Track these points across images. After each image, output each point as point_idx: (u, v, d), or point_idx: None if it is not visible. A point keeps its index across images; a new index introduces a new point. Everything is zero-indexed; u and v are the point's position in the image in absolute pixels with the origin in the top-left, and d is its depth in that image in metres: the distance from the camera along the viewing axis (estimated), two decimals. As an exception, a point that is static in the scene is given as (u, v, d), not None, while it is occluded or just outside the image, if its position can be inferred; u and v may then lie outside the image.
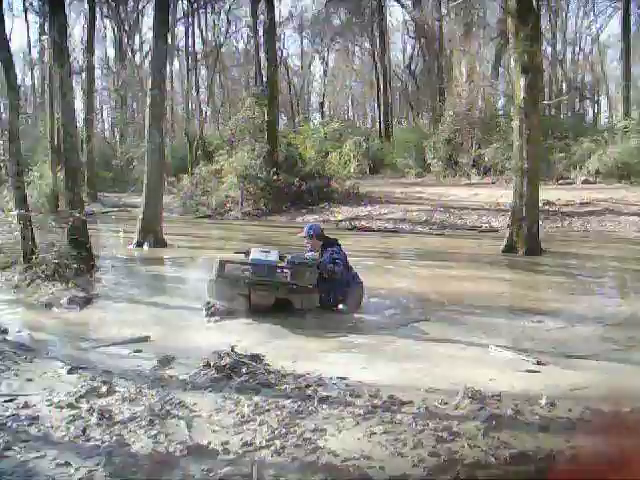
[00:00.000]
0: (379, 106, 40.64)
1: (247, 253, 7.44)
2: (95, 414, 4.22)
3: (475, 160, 26.22)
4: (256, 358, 5.26)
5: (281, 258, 7.32)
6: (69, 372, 5.05)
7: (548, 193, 17.99)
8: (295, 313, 6.97)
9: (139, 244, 13.99)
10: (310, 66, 49.61)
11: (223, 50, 41.12)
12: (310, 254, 7.54)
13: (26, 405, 4.42)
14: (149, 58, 19.80)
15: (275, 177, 22.71)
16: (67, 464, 3.62)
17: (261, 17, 30.83)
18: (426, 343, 6.05)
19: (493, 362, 5.44)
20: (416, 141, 30.23)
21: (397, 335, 6.32)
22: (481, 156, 25.72)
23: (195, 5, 38.87)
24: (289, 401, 4.43)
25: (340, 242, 7.73)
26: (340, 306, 7.32)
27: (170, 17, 22.69)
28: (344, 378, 4.93)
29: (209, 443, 3.85)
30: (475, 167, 26.30)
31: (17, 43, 55.07)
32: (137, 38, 42.80)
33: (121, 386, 4.72)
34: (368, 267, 9.97)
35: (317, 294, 7.08)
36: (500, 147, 24.52)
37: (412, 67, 42.71)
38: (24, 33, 64.17)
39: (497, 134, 25.81)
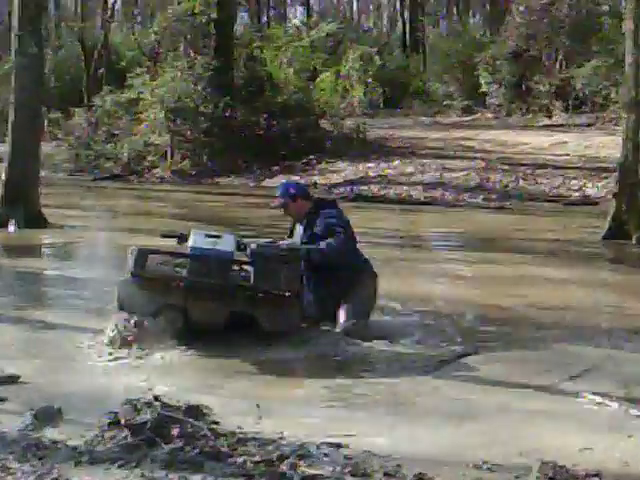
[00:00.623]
0: (402, -4, 40.64)
1: (183, 238, 7.40)
2: None
3: (560, 87, 26.26)
4: (196, 412, 5.22)
5: (240, 247, 7.29)
6: None
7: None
8: (262, 338, 6.93)
9: (1, 222, 13.93)
10: None
11: None
12: (288, 241, 7.53)
13: None
14: None
15: (228, 113, 22.71)
16: None
17: None
18: (477, 388, 6.05)
19: (588, 420, 5.44)
20: (463, 55, 30.24)
21: (429, 374, 6.33)
22: (570, 81, 25.74)
23: None
24: (252, 484, 4.42)
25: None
26: (341, 316, 7.30)
27: None
28: (341, 445, 4.92)
29: None
30: (560, 99, 26.35)
31: None
32: None
33: (-30, 458, 4.69)
34: (382, 260, 9.96)
35: (297, 307, 7.06)
36: (602, 65, 24.55)
37: None
38: None
39: (597, 44, 25.86)
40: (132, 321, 7.02)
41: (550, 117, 26.21)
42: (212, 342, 6.88)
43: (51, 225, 14.14)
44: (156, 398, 5.32)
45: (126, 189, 21.88)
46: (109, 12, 37.59)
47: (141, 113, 24.01)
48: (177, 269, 7.08)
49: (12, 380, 6.11)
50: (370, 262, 7.68)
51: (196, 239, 7.14)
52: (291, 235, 7.77)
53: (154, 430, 4.95)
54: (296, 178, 21.17)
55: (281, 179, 20.93)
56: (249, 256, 7.13)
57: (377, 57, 28.46)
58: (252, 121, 23.13)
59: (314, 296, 7.37)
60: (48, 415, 5.36)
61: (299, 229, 7.64)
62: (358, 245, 7.74)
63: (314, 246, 7.32)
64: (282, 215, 7.89)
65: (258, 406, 5.50)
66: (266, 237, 8.17)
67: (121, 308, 7.09)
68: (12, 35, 14.86)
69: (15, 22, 14.60)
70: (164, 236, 7.93)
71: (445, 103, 30.23)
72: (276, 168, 22.59)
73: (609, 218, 12.85)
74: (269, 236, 8.18)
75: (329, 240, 7.27)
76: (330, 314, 7.37)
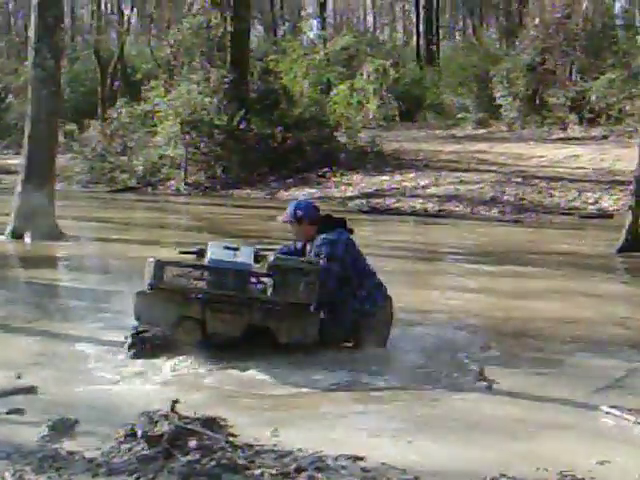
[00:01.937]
0: (417, 9, 40.69)
1: (201, 253, 7.41)
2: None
3: (575, 100, 26.23)
4: (213, 424, 5.23)
5: (257, 259, 7.29)
6: None
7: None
8: (279, 350, 6.94)
9: (17, 234, 13.98)
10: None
11: None
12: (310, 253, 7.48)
13: None
14: None
15: (243, 125, 22.74)
16: None
17: None
18: (493, 401, 6.05)
19: (605, 433, 5.43)
20: (478, 68, 30.25)
21: (447, 388, 6.32)
22: (585, 94, 25.71)
23: None
24: (269, 496, 4.43)
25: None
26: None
27: None
28: (359, 458, 4.91)
29: None
30: (575, 112, 26.32)
31: None
32: None
33: (-13, 469, 4.71)
34: (396, 274, 9.97)
35: (317, 319, 7.05)
36: (617, 78, 24.52)
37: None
38: None
39: (612, 57, 25.84)
40: (149, 333, 7.04)
41: (565, 130, 26.19)
42: (229, 354, 6.89)
43: (66, 237, 14.16)
44: (173, 410, 5.32)
45: (141, 201, 21.92)
46: (125, 25, 37.73)
47: (156, 125, 24.06)
48: (194, 281, 7.09)
49: (29, 391, 6.12)
50: (384, 287, 7.48)
51: (215, 251, 7.15)
52: (303, 251, 7.69)
53: (171, 442, 4.95)
54: (311, 191, 21.19)
55: (296, 192, 20.99)
56: (268, 268, 7.13)
57: (392, 70, 28.48)
58: (267, 134, 23.16)
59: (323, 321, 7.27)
60: (65, 426, 5.36)
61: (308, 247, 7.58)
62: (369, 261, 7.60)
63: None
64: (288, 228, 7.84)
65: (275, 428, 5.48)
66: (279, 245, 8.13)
67: (138, 320, 7.10)
68: (29, 47, 14.94)
69: (32, 34, 14.66)
70: (183, 252, 7.95)
71: (460, 116, 30.23)
72: (291, 180, 22.61)
73: (625, 231, 12.82)
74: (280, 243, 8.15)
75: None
76: (339, 338, 7.33)
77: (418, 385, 6.40)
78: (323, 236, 7.31)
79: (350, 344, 7.33)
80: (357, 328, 7.29)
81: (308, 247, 7.53)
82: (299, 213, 7.50)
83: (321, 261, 7.13)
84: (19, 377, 6.44)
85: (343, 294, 7.26)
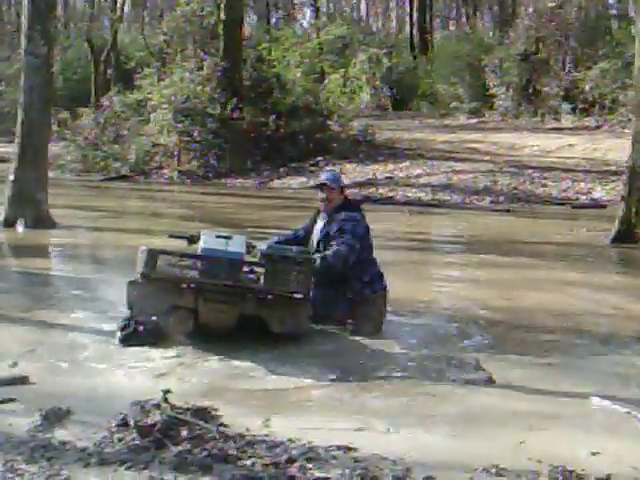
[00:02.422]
0: (410, -2, 40.60)
1: (193, 239, 7.40)
2: None
3: (568, 90, 26.23)
4: (205, 414, 5.24)
5: (249, 249, 7.29)
6: None
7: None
8: (271, 339, 6.94)
9: (9, 222, 13.96)
10: None
11: None
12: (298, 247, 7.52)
13: None
14: None
15: (236, 114, 22.70)
16: None
17: None
18: (487, 392, 6.05)
19: (597, 424, 5.44)
20: (471, 57, 30.22)
21: (438, 378, 6.33)
22: (579, 83, 25.71)
23: None
24: (260, 486, 4.42)
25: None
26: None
27: None
28: (351, 448, 4.91)
29: None
30: (568, 101, 26.32)
31: None
32: None
33: (-21, 459, 4.69)
34: (389, 264, 9.95)
35: (307, 309, 7.06)
36: (610, 68, 24.53)
37: None
38: None
39: (606, 47, 25.83)
40: (141, 322, 7.03)
41: (558, 120, 26.18)
42: (221, 343, 6.89)
43: (59, 225, 14.15)
44: (165, 400, 5.32)
45: (134, 190, 21.89)
46: (117, 12, 37.61)
47: (149, 114, 24.02)
48: (185, 270, 7.08)
49: (21, 381, 6.11)
50: (383, 276, 7.67)
51: (207, 240, 7.14)
52: (310, 229, 7.76)
53: (163, 432, 4.95)
54: (303, 179, 21.17)
55: (289, 181, 20.96)
56: (260, 258, 7.13)
57: (385, 59, 28.46)
58: (260, 122, 23.13)
59: (322, 296, 7.36)
60: (57, 416, 5.36)
61: (319, 224, 7.63)
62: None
63: (318, 255, 7.30)
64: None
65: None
66: (274, 236, 8.15)
67: (130, 309, 7.09)
68: (21, 35, 14.88)
69: (24, 21, 14.60)
70: (173, 236, 7.95)
71: (453, 105, 30.20)
72: (284, 169, 22.61)
73: (618, 221, 12.83)
74: (278, 235, 8.15)
75: (326, 252, 7.25)
76: (335, 317, 7.38)
77: (411, 376, 6.40)
78: (348, 213, 7.47)
79: (344, 327, 7.35)
80: (353, 311, 7.36)
81: (319, 223, 7.56)
82: (336, 182, 7.66)
83: (344, 235, 7.26)
84: (15, 364, 6.47)
85: (347, 275, 7.36)
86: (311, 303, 7.14)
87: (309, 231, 7.81)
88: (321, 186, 7.66)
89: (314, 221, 7.81)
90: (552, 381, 6.27)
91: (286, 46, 26.45)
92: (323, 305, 7.31)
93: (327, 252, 7.27)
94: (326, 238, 7.41)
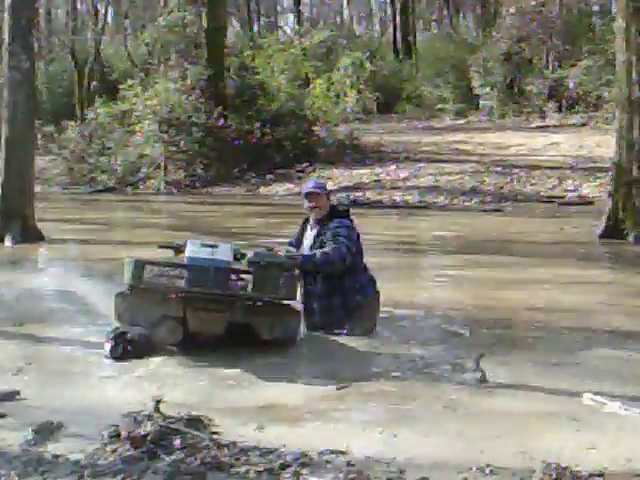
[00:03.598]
0: (393, 0, 40.66)
1: (180, 249, 7.40)
2: None
3: (553, 88, 26.31)
4: (197, 423, 5.23)
5: (236, 257, 7.28)
6: None
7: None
8: (261, 347, 6.93)
9: (-2, 238, 13.93)
10: None
11: None
12: (288, 248, 7.54)
13: None
14: None
15: (221, 122, 22.70)
16: None
17: None
18: (479, 391, 6.06)
19: (590, 420, 5.44)
20: (455, 59, 30.29)
21: (433, 380, 6.34)
22: (563, 81, 25.79)
23: None
24: (254, 493, 4.42)
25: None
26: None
27: None
28: (344, 452, 4.91)
29: None
30: (553, 99, 26.39)
31: None
32: None
33: (-29, 475, 4.68)
34: (380, 267, 9.96)
35: (297, 315, 7.06)
36: (594, 66, 24.61)
37: None
38: None
39: (589, 45, 25.91)
40: (130, 333, 7.02)
41: (543, 118, 26.25)
42: (212, 352, 6.88)
43: (47, 239, 14.13)
44: (157, 410, 5.32)
45: (121, 201, 21.87)
46: (100, 24, 37.58)
47: (134, 125, 24.00)
48: (174, 280, 7.08)
49: (11, 396, 6.08)
50: (375, 281, 7.70)
51: (193, 249, 7.13)
52: (300, 238, 7.76)
53: (155, 442, 4.95)
54: (290, 186, 21.17)
55: (276, 187, 20.96)
56: (247, 265, 7.13)
57: (369, 63, 28.49)
58: (245, 130, 23.13)
59: (319, 305, 7.38)
60: (49, 430, 5.34)
61: (310, 233, 7.63)
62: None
63: (311, 254, 7.33)
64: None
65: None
66: (264, 246, 8.16)
67: (119, 320, 7.08)
68: (3, 50, 14.87)
69: (6, 36, 14.58)
70: (162, 246, 7.95)
71: (438, 107, 30.26)
72: (270, 176, 22.60)
73: (605, 217, 12.87)
74: (265, 245, 8.16)
75: (326, 249, 7.27)
76: (333, 324, 7.39)
77: (403, 378, 6.40)
78: (339, 220, 7.50)
79: (339, 332, 7.37)
80: (347, 317, 7.40)
81: (310, 232, 7.58)
82: (322, 188, 7.71)
83: (340, 238, 7.29)
84: (18, 371, 6.53)
85: (345, 285, 7.40)
86: (311, 313, 7.19)
87: (299, 240, 7.81)
88: (308, 195, 7.65)
89: (303, 229, 7.82)
90: (544, 378, 6.28)
91: (269, 53, 26.47)
92: (323, 314, 7.34)
93: (327, 249, 7.27)
94: (321, 247, 7.40)
